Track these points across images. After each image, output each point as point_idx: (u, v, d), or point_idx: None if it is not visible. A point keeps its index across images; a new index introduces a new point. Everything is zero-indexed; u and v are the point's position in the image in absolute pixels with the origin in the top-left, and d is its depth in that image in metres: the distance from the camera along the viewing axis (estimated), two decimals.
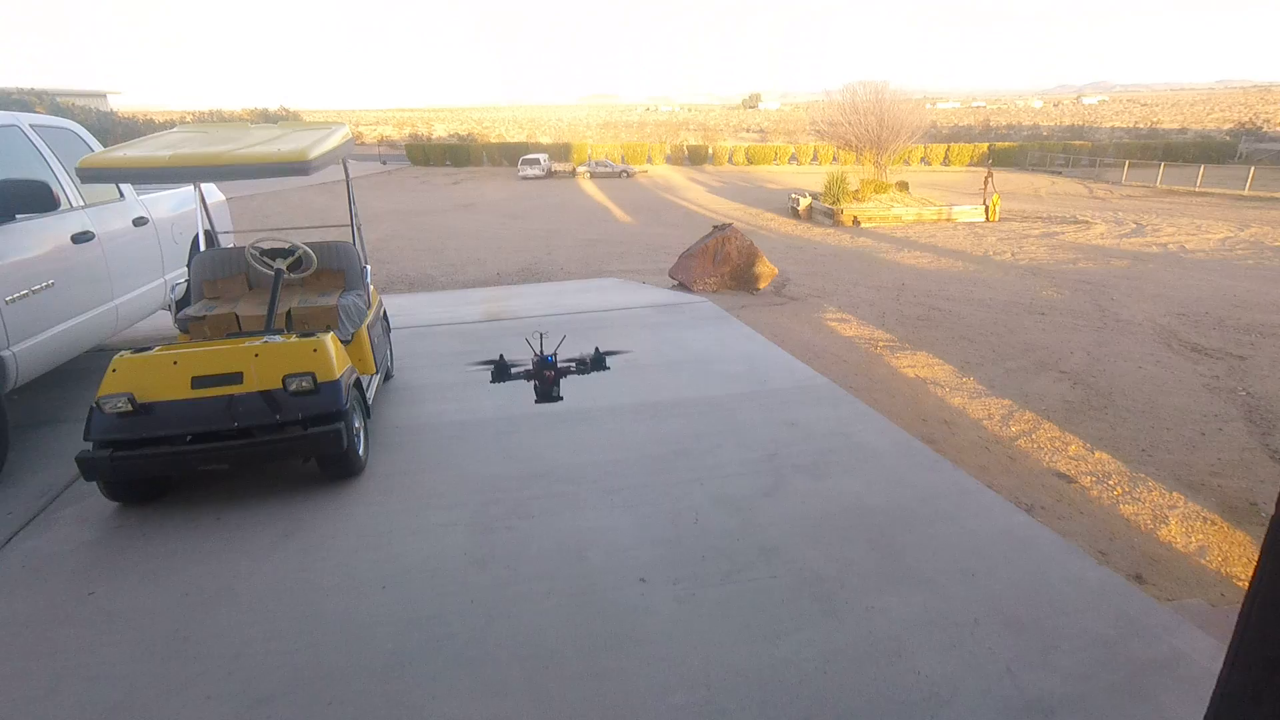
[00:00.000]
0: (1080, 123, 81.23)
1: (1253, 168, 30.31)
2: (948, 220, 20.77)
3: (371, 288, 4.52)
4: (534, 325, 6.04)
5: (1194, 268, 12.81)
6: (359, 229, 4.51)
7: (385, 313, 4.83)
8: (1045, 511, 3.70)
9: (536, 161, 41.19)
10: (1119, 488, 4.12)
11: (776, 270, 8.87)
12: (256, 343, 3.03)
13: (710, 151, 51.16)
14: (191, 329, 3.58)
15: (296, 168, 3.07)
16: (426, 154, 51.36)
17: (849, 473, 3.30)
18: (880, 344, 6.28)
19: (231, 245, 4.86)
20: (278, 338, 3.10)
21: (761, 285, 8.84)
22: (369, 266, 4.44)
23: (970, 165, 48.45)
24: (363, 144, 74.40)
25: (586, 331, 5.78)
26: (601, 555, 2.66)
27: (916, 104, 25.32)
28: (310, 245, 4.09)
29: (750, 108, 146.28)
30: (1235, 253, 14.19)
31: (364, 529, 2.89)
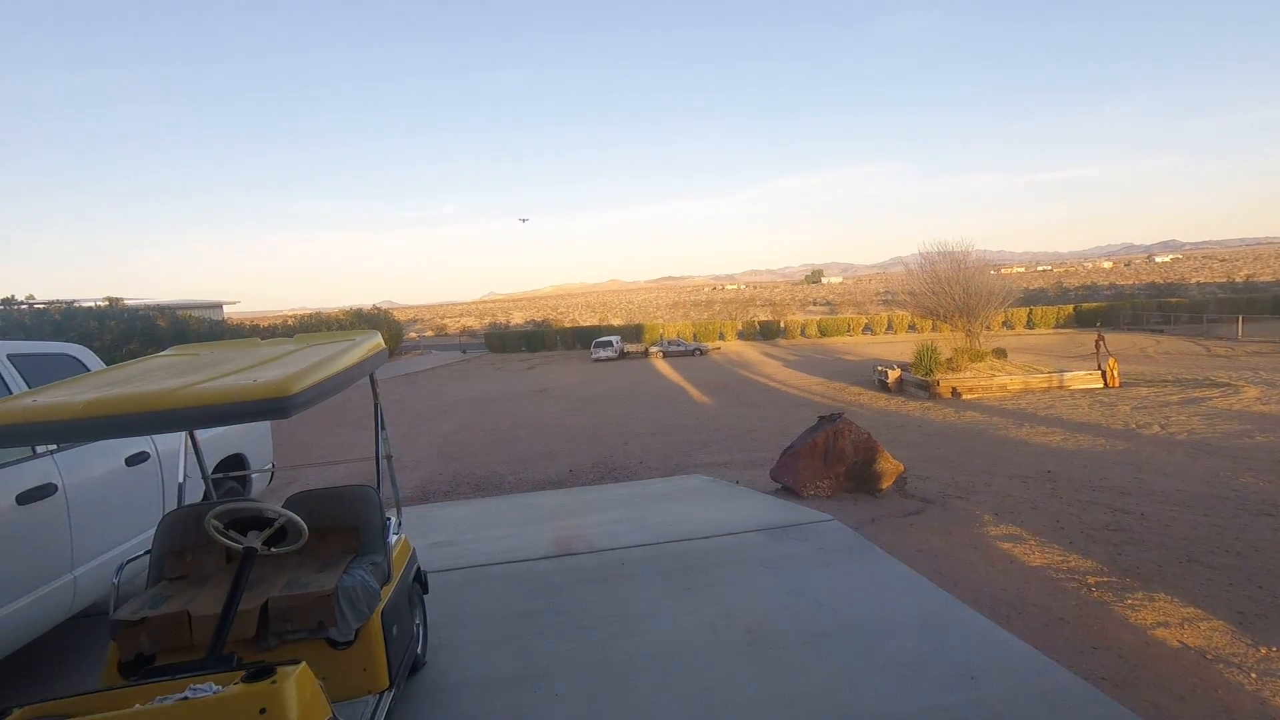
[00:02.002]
0: (1161, 280, 78.79)
1: None
2: (1060, 388, 18.80)
3: (400, 540, 3.36)
4: (614, 564, 4.68)
5: None
6: (388, 461, 3.46)
7: (420, 572, 3.62)
8: None
9: (609, 344, 42.04)
10: None
11: (902, 466, 7.33)
12: (169, 700, 1.81)
13: (782, 325, 51.39)
14: (122, 639, 2.42)
15: (270, 407, 2.04)
16: (504, 341, 53.77)
17: None
18: (1089, 580, 4.54)
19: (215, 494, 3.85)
20: (210, 688, 1.87)
21: (885, 485, 7.28)
22: (395, 518, 3.32)
23: (1056, 327, 46.45)
24: (445, 335, 79.68)
25: (684, 575, 4.36)
26: None
27: (997, 269, 24.48)
28: (314, 495, 3.01)
29: (814, 282, 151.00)
30: None
31: None
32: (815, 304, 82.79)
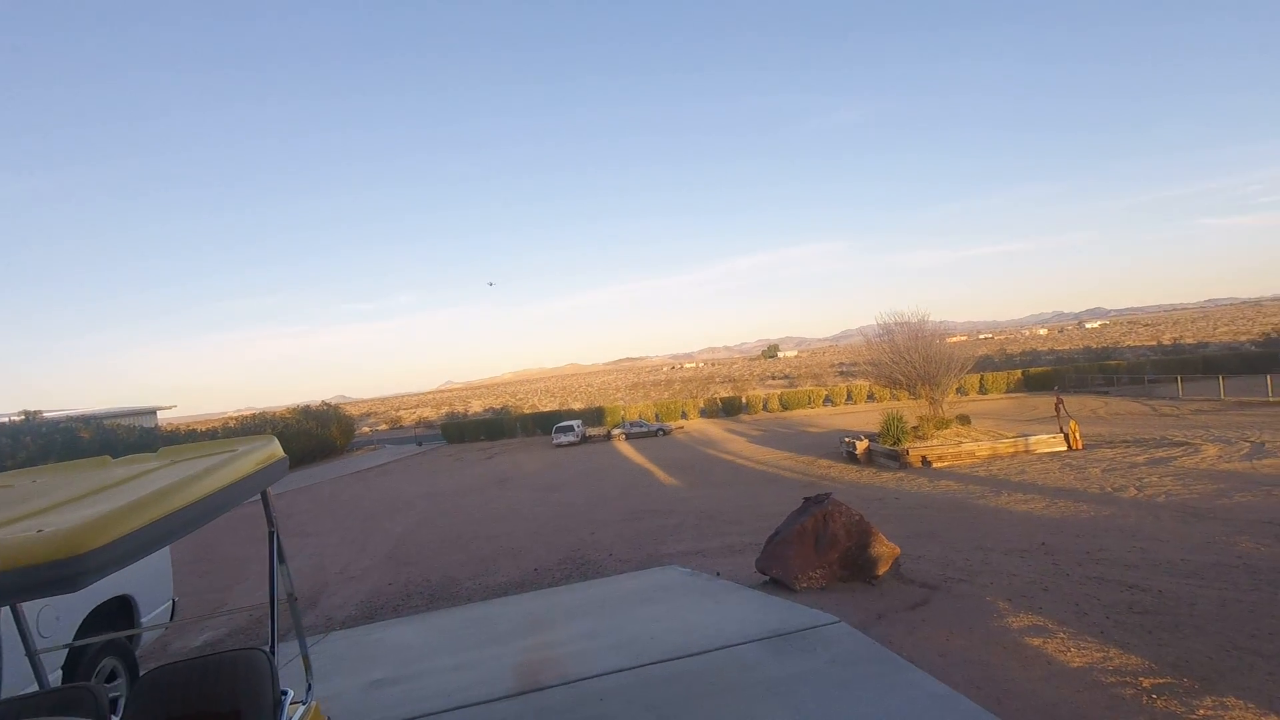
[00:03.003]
0: (1095, 345, 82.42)
1: None
2: (1027, 452, 18.72)
3: (309, 714, 2.59)
4: (591, 699, 3.89)
5: None
6: (292, 603, 2.74)
7: None
8: None
9: (570, 428, 41.08)
10: None
11: (898, 549, 6.74)
12: None
13: (744, 401, 51.33)
14: None
15: (48, 577, 1.34)
16: (462, 430, 52.14)
17: None
18: (1143, 682, 3.94)
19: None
20: None
21: (881, 571, 6.66)
22: (306, 679, 2.57)
23: (1008, 392, 47.56)
24: (401, 427, 77.21)
25: (677, 711, 3.61)
26: None
27: (951, 337, 25.00)
28: (181, 670, 2.28)
29: (770, 356, 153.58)
30: None
31: None
32: (774, 378, 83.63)
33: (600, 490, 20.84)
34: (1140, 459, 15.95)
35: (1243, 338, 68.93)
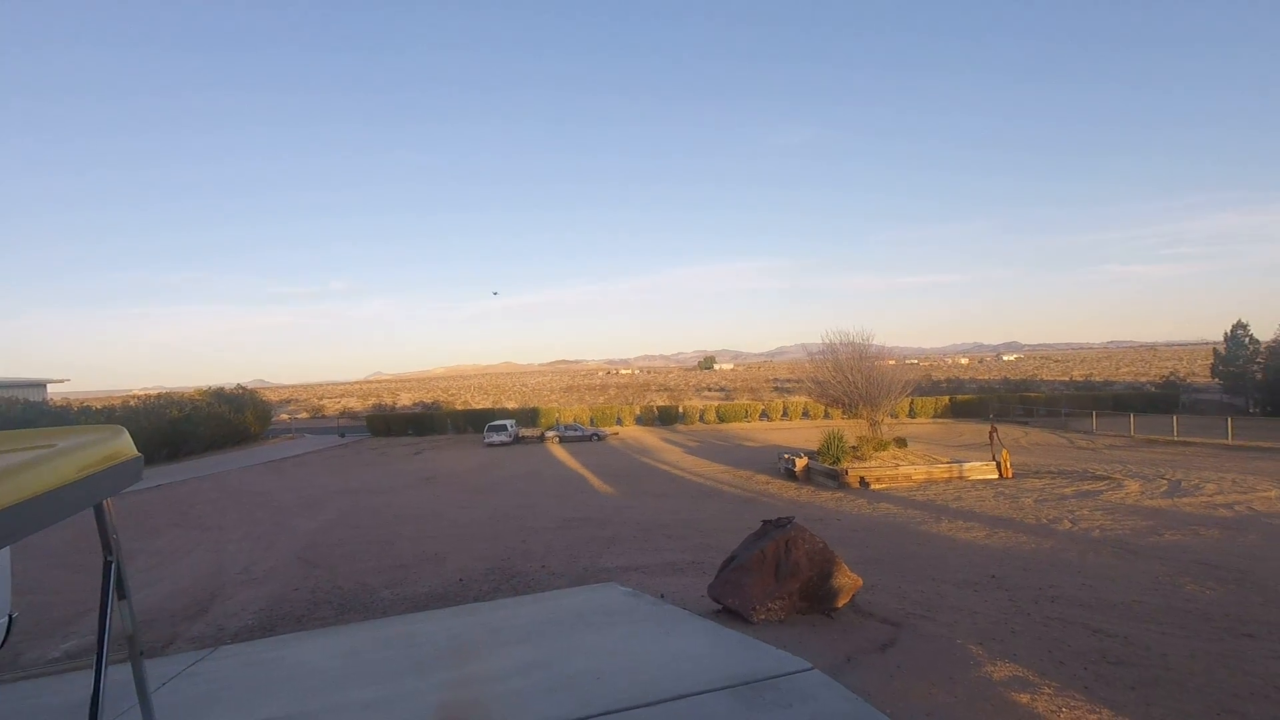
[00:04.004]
0: (1012, 376, 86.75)
1: (1229, 418, 30.60)
2: (961, 478, 19.00)
3: None
4: None
5: None
6: (132, 646, 1.98)
7: None
8: None
9: (503, 428, 39.83)
10: None
11: (860, 581, 6.31)
12: None
13: (680, 411, 51.15)
14: None
15: None
16: (388, 424, 49.91)
17: None
18: None
19: None
20: None
21: (841, 603, 6.21)
22: None
23: (934, 417, 49.13)
24: (323, 417, 73.56)
25: None
26: None
27: (893, 360, 25.41)
28: None
29: (706, 368, 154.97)
30: None
31: None
32: (710, 389, 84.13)
33: (533, 495, 19.98)
34: (1068, 491, 16.34)
35: (1143, 379, 73.96)
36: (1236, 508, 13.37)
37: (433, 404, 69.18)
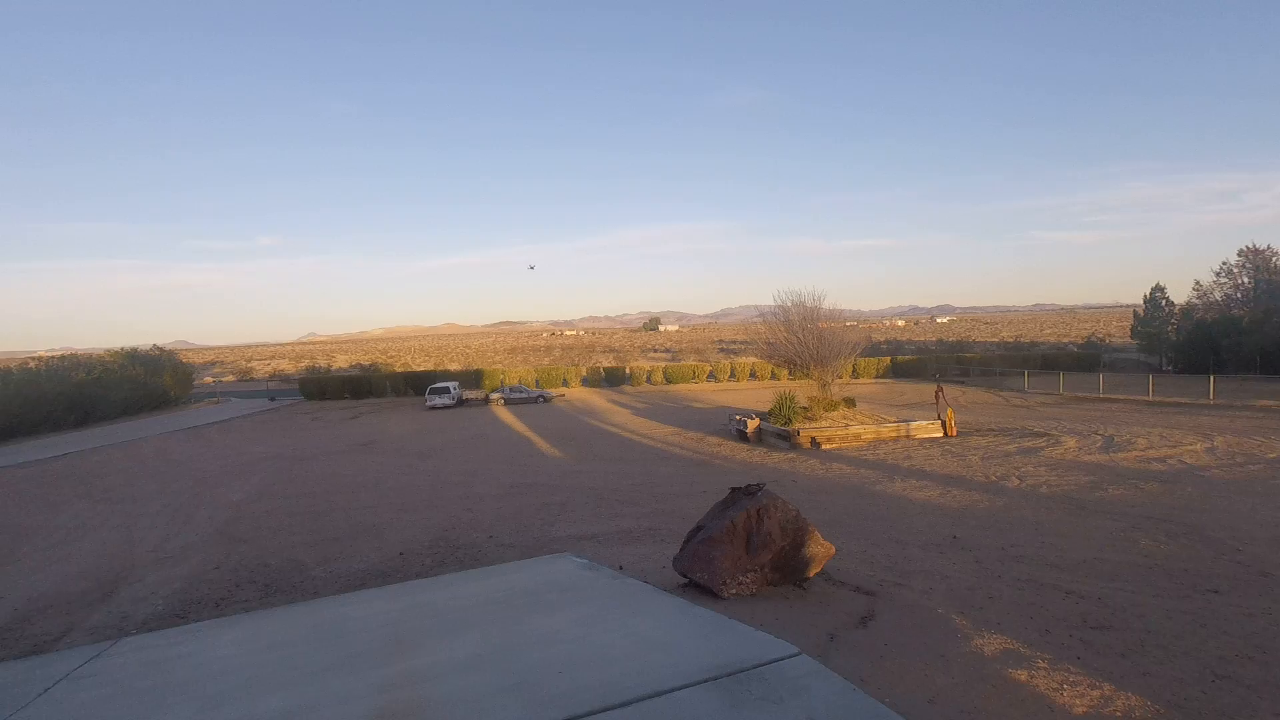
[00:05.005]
0: (947, 338, 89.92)
1: (1150, 376, 32.17)
2: (908, 437, 19.23)
3: None
4: None
5: (1234, 489, 11.11)
6: None
7: None
8: None
9: (446, 390, 38.59)
10: None
11: (833, 549, 5.96)
12: None
13: (627, 372, 50.76)
14: None
15: None
16: (323, 387, 47.72)
17: None
18: None
19: None
20: None
21: (812, 573, 5.86)
22: None
23: (877, 378, 50.32)
24: (252, 380, 70.08)
25: None
26: None
27: (846, 321, 25.47)
28: None
29: (651, 329, 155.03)
30: (1247, 469, 12.82)
31: None
32: (656, 351, 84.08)
33: (478, 460, 19.25)
34: (1011, 448, 16.69)
35: (1065, 339, 77.90)
36: (1169, 461, 13.85)
37: (371, 366, 66.72)
